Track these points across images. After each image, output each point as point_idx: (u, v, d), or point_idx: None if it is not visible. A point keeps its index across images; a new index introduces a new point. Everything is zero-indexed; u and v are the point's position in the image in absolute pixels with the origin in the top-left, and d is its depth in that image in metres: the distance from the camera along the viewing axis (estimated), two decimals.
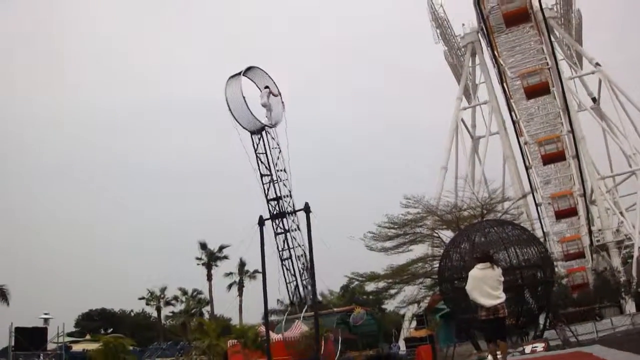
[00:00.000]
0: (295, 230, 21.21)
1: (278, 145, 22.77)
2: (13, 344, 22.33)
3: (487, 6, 45.83)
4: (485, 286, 8.53)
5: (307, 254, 21.38)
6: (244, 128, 22.95)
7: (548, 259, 20.72)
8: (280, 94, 23.96)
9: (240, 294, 45.99)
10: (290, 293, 23.38)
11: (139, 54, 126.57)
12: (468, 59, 55.35)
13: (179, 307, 50.83)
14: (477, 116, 56.78)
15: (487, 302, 8.47)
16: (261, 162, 22.55)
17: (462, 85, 54.48)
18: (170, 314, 52.53)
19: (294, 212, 20.31)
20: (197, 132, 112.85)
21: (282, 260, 21.58)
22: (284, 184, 22.19)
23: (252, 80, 23.63)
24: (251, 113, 22.64)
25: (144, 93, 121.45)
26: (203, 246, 46.00)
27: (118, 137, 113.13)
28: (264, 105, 23.25)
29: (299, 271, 22.31)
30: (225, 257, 46.30)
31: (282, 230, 21.42)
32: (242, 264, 45.29)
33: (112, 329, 53.58)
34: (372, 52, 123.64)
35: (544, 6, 48.17)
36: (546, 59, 44.55)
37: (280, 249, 21.63)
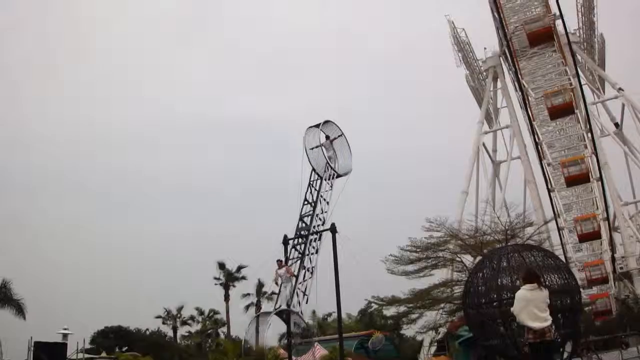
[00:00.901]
0: (314, 254, 20.82)
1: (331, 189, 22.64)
2: (32, 359, 22.20)
3: (511, 27, 45.64)
4: (533, 308, 8.29)
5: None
6: (316, 173, 22.96)
7: (575, 284, 20.26)
8: (349, 148, 24.14)
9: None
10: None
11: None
12: (490, 82, 55.26)
13: (195, 327, 50.71)
14: (498, 141, 56.70)
15: (535, 324, 8.22)
16: (310, 192, 22.29)
17: (483, 109, 54.32)
18: (187, 334, 52.36)
19: (320, 231, 20.04)
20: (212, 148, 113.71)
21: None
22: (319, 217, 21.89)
23: (324, 133, 23.60)
24: (328, 162, 22.74)
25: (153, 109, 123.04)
26: (221, 266, 45.92)
27: (134, 154, 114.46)
28: (329, 158, 23.17)
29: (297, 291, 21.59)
30: (244, 278, 46.21)
31: (299, 254, 21.04)
32: (260, 285, 45.07)
33: (127, 347, 53.34)
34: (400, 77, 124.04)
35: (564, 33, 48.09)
36: (570, 80, 44.11)
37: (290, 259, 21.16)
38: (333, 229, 19.09)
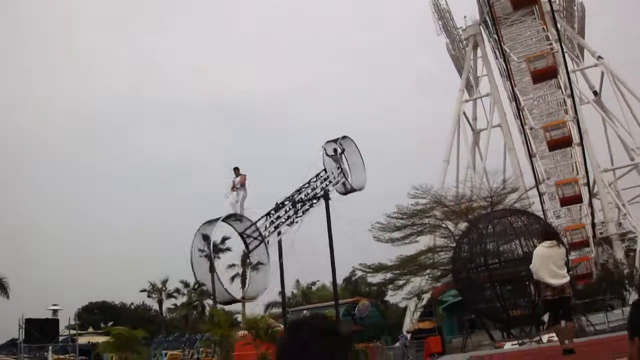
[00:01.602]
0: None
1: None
2: (23, 336, 22.12)
3: None
4: (552, 265, 8.39)
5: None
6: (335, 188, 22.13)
7: (564, 247, 20.65)
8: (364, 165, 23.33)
9: (243, 286, 45.74)
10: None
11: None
12: (470, 51, 55.20)
13: (181, 299, 50.78)
14: (478, 109, 56.94)
15: (554, 281, 8.34)
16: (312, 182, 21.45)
17: (463, 78, 54.38)
18: (172, 307, 52.45)
19: (314, 198, 19.98)
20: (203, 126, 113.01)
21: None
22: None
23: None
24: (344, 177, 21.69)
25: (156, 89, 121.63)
26: (205, 237, 45.64)
27: (123, 130, 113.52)
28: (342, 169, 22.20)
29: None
30: (228, 249, 46.02)
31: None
32: (245, 256, 44.94)
33: (112, 322, 53.43)
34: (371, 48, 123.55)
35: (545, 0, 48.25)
36: (552, 44, 44.33)
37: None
38: (326, 196, 19.15)
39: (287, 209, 19.37)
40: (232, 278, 45.09)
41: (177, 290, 50.30)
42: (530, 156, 44.60)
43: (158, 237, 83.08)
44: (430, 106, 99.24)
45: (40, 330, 21.96)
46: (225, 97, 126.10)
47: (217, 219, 18.91)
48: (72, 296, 64.57)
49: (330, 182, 20.65)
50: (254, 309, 42.21)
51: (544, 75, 43.39)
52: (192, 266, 18.18)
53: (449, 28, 55.16)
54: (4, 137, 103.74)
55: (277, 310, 48.77)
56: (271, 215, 18.91)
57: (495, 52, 50.84)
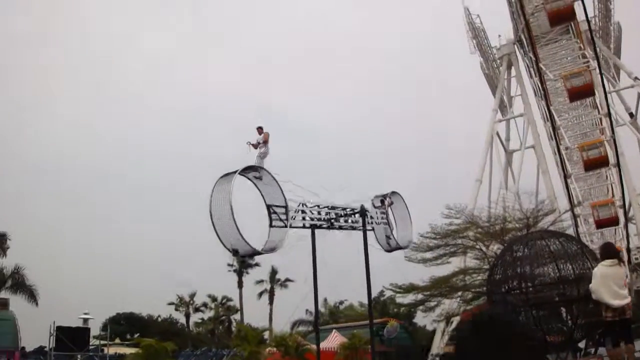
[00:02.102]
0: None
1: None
2: (54, 344, 22.22)
3: (529, 8, 44.99)
4: (613, 285, 8.01)
5: None
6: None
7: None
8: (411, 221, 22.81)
9: (271, 302, 45.72)
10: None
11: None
12: (504, 71, 54.69)
13: (208, 314, 50.90)
14: (511, 130, 56.28)
15: (615, 302, 7.94)
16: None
17: (497, 97, 53.85)
18: (199, 321, 52.51)
19: (351, 213, 19.62)
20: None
21: None
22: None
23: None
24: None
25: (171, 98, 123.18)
26: (235, 252, 45.72)
27: (158, 140, 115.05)
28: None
29: None
30: (257, 265, 46.15)
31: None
32: (273, 272, 45.04)
33: (138, 334, 53.64)
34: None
35: (581, 19, 47.53)
36: (589, 62, 43.55)
37: None
38: (362, 211, 18.83)
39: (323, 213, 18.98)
40: None
41: (205, 305, 50.40)
42: (565, 177, 43.59)
43: (187, 250, 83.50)
44: (463, 124, 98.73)
45: (71, 339, 22.02)
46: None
47: (234, 172, 18.03)
48: (99, 306, 65.05)
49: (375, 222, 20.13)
50: (282, 327, 42.11)
51: (581, 93, 42.45)
52: (212, 224, 17.08)
53: (483, 47, 54.80)
54: (31, 144, 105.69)
55: (303, 329, 48.62)
56: (306, 206, 18.39)
57: (529, 71, 50.21)
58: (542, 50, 47.00)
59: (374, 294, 59.75)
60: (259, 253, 19.17)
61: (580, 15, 45.05)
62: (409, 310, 42.64)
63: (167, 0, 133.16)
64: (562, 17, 44.24)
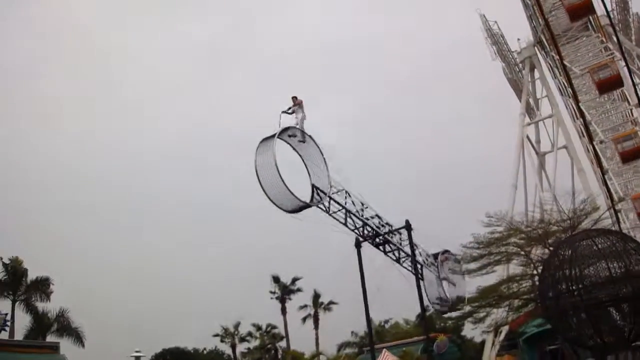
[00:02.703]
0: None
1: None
2: None
3: (547, 6, 44.85)
4: None
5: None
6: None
7: None
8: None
9: (316, 327, 45.51)
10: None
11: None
12: (527, 74, 54.36)
13: (254, 343, 50.81)
14: (541, 132, 55.74)
15: None
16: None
17: (523, 101, 53.55)
18: (245, 350, 52.45)
19: (393, 230, 19.65)
20: None
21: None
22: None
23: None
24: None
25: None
26: (276, 280, 45.95)
27: (195, 173, 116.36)
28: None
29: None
30: (299, 290, 46.07)
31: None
32: (316, 296, 44.94)
33: None
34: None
35: (600, 13, 47.26)
36: (613, 54, 43.10)
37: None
38: (408, 227, 18.83)
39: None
40: None
41: (250, 334, 50.39)
42: (603, 173, 42.85)
43: (229, 279, 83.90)
44: (491, 132, 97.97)
45: None
46: None
47: (272, 135, 18.74)
48: (143, 342, 65.47)
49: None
50: (328, 351, 41.82)
51: (610, 84, 42.06)
52: (260, 182, 17.70)
53: (503, 52, 54.68)
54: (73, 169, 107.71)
55: (350, 351, 48.26)
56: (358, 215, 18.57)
57: (553, 71, 49.85)
58: (564, 49, 46.64)
59: (418, 310, 59.33)
60: (309, 205, 19.97)
61: (598, 9, 45.01)
62: (456, 324, 41.98)
63: None
64: (582, 11, 43.95)
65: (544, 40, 48.94)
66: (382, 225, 20.09)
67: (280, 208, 19.57)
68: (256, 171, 18.73)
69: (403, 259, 20.99)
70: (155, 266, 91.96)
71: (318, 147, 20.92)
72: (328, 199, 20.03)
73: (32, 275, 40.19)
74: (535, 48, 52.89)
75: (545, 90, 53.68)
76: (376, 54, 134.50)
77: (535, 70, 54.38)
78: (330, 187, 20.03)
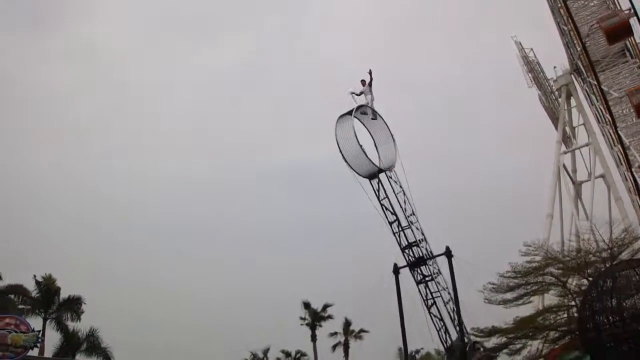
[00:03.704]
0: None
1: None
2: None
3: (584, 30, 44.57)
4: None
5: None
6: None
7: None
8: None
9: (346, 355, 44.92)
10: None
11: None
12: (563, 101, 53.77)
13: None
14: (577, 161, 54.89)
15: None
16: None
17: (560, 129, 52.81)
18: None
19: (433, 257, 19.52)
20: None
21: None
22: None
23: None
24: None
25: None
26: (306, 306, 45.67)
27: (215, 197, 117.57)
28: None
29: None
30: (330, 317, 45.64)
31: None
32: (347, 323, 44.47)
33: None
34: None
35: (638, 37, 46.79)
36: None
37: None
38: (448, 253, 18.62)
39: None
40: None
41: None
42: None
43: (259, 305, 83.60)
44: (526, 159, 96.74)
45: None
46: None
47: (349, 112, 21.38)
48: None
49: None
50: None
51: None
52: (340, 151, 20.64)
53: (539, 80, 54.27)
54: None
55: None
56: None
57: (590, 98, 49.30)
58: (602, 76, 46.16)
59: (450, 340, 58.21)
60: (380, 171, 22.32)
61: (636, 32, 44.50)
62: (489, 356, 40.96)
63: None
64: (619, 32, 43.50)
65: (580, 66, 48.55)
66: (421, 246, 20.07)
67: (358, 173, 21.75)
68: (337, 142, 20.99)
69: (435, 294, 20.90)
70: (189, 290, 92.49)
71: (387, 126, 22.70)
72: (392, 172, 21.78)
73: (64, 294, 40.74)
74: (572, 76, 52.46)
75: (582, 118, 52.97)
76: (405, 81, 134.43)
77: (572, 98, 53.83)
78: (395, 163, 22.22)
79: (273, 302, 77.20)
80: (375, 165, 21.41)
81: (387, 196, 22.12)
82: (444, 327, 20.92)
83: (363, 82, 22.43)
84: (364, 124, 22.36)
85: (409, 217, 21.54)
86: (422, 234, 20.83)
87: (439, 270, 20.03)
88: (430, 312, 20.07)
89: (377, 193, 21.84)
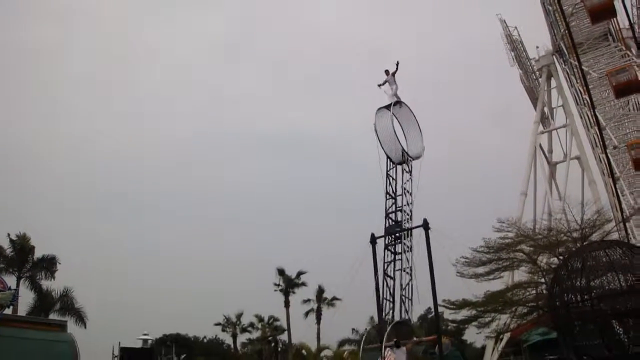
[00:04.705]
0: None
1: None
2: None
3: (569, 9, 44.80)
4: None
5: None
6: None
7: None
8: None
9: (318, 322, 45.59)
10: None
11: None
12: (544, 82, 54.13)
13: (255, 334, 51.04)
14: (554, 142, 55.50)
15: None
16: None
17: (538, 109, 53.28)
18: (246, 341, 52.71)
19: (411, 229, 19.88)
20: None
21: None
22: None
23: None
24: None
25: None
26: (281, 272, 46.08)
27: (201, 166, 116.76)
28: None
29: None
30: (303, 284, 46.15)
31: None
32: (320, 291, 45.04)
33: (185, 355, 54.10)
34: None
35: (622, 25, 47.25)
36: (633, 59, 43.00)
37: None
38: (426, 225, 18.94)
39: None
40: None
41: (252, 325, 50.61)
42: (614, 181, 42.75)
43: (234, 270, 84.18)
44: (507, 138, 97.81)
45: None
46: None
47: (386, 106, 23.76)
48: (146, 327, 65.59)
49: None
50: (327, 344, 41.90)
51: (627, 88, 41.89)
52: (379, 141, 23.15)
53: (521, 59, 54.44)
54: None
55: (349, 348, 48.38)
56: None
57: (570, 79, 49.69)
58: (583, 57, 46.54)
59: (422, 311, 59.38)
60: (410, 158, 23.94)
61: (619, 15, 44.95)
62: (458, 327, 41.95)
63: None
64: (603, 13, 43.78)
65: (563, 47, 48.82)
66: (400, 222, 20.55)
67: (392, 161, 23.75)
68: (376, 132, 23.12)
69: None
70: (165, 252, 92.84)
71: (414, 116, 24.58)
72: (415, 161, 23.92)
73: (38, 253, 40.39)
74: (554, 57, 52.75)
75: (561, 99, 53.47)
76: (390, 58, 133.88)
77: (552, 79, 54.21)
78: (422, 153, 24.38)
79: (254, 267, 77.97)
80: (406, 153, 23.36)
81: (395, 178, 23.55)
82: (391, 303, 21.36)
83: (387, 71, 23.91)
84: (396, 117, 24.03)
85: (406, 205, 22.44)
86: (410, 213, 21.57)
87: (411, 247, 20.36)
88: (385, 280, 20.45)
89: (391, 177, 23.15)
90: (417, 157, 23.90)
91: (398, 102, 24.14)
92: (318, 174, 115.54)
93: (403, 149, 23.19)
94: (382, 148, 23.10)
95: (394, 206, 21.99)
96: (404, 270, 20.67)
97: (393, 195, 22.57)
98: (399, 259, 20.90)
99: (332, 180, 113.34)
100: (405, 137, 24.46)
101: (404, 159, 23.32)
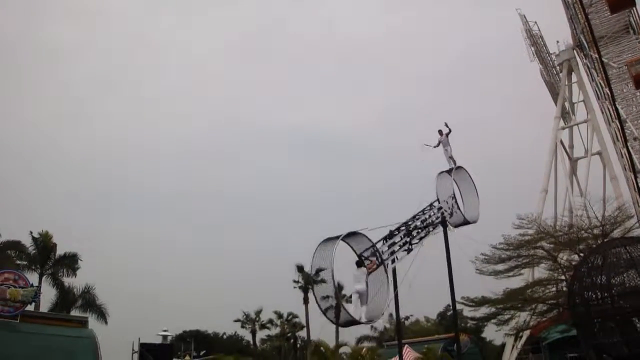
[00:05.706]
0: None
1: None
2: None
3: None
4: None
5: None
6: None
7: None
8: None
9: (337, 318, 45.45)
10: None
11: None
12: (564, 77, 53.55)
13: (274, 330, 51.11)
14: (575, 137, 54.87)
15: None
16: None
17: (559, 105, 52.69)
18: (266, 338, 52.83)
19: (430, 225, 19.63)
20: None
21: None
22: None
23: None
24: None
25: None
26: (300, 269, 45.97)
27: (222, 167, 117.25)
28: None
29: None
30: (323, 281, 45.96)
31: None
32: (339, 288, 44.83)
33: (204, 351, 54.46)
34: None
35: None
36: None
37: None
38: (444, 222, 18.80)
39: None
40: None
41: (271, 321, 50.69)
42: (635, 176, 42.05)
43: (253, 267, 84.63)
44: (525, 133, 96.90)
45: (155, 356, 22.58)
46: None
47: (449, 171, 22.37)
48: (166, 324, 66.27)
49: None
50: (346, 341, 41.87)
51: None
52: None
53: (542, 54, 53.87)
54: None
55: (369, 344, 48.39)
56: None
57: (590, 73, 49.00)
58: (604, 51, 45.82)
59: (440, 308, 59.05)
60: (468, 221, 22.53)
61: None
62: (477, 325, 41.73)
63: None
64: (622, 2, 42.86)
65: (583, 41, 48.15)
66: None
67: (450, 223, 21.60)
68: (437, 194, 21.60)
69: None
70: (183, 251, 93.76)
71: (472, 181, 23.93)
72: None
73: (60, 251, 40.84)
74: (575, 51, 52.15)
75: (582, 94, 52.83)
76: (407, 51, 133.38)
77: (573, 74, 53.60)
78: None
79: (269, 267, 78.32)
80: (465, 218, 22.29)
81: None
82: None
83: (440, 132, 22.60)
84: (456, 182, 23.08)
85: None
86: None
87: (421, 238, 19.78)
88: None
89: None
90: (473, 222, 22.96)
91: (459, 167, 23.29)
92: (348, 174, 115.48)
93: (462, 214, 22.10)
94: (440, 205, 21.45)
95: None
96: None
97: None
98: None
99: (356, 179, 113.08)
100: (462, 201, 23.56)
101: (462, 223, 22.23)
